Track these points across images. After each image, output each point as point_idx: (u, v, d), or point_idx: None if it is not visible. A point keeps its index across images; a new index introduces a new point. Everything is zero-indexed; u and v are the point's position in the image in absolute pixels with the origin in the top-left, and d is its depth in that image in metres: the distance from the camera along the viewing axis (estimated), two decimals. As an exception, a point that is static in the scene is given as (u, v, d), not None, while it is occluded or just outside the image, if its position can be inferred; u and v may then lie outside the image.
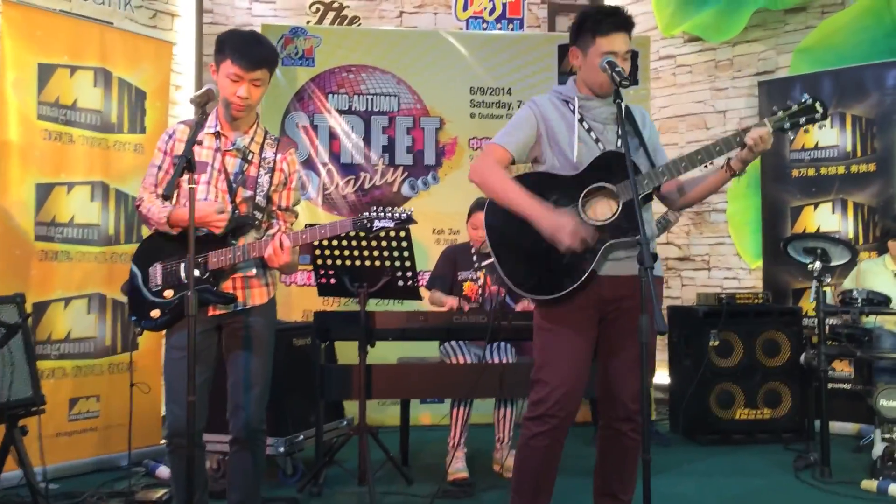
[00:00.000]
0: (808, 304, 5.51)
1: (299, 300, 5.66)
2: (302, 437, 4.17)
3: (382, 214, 2.90)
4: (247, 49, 2.81)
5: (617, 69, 2.59)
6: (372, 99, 5.90)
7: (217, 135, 2.91)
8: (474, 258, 4.55)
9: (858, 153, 5.53)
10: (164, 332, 2.95)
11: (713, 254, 6.43)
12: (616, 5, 2.89)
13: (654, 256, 2.36)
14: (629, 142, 2.64)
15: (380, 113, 5.89)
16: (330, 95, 5.86)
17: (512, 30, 6.37)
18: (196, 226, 2.61)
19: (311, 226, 2.94)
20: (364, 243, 3.83)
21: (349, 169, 5.84)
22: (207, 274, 2.83)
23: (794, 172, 5.77)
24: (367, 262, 3.86)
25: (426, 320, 4.07)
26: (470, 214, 4.54)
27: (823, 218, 5.64)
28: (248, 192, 2.92)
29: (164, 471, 4.21)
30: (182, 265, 2.86)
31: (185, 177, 2.59)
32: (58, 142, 4.39)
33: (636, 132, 2.75)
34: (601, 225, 2.65)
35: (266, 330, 2.97)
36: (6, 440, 3.31)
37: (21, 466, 3.33)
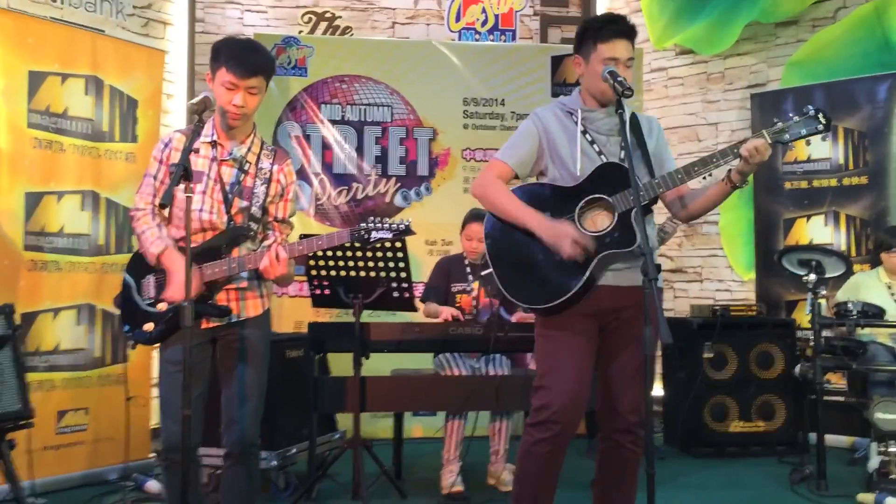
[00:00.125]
0: (801, 316, 5.52)
1: (291, 311, 5.61)
2: (294, 450, 4.12)
3: (380, 225, 2.86)
4: (242, 56, 2.77)
5: (619, 79, 2.58)
6: (365, 109, 5.87)
7: (213, 144, 2.87)
8: (468, 269, 4.52)
9: (851, 166, 5.55)
10: (154, 345, 2.90)
11: (705, 265, 6.43)
12: (619, 14, 2.89)
13: (658, 268, 2.34)
14: (631, 153, 2.62)
15: (373, 123, 5.86)
16: (323, 105, 5.83)
17: (504, 41, 6.37)
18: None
19: (306, 237, 2.91)
20: (359, 254, 3.80)
21: (342, 179, 5.80)
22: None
23: (787, 185, 5.79)
24: (362, 273, 3.83)
25: (421, 332, 4.04)
26: (464, 225, 4.51)
27: (816, 230, 5.66)
28: (244, 203, 2.87)
29: (153, 485, 4.15)
30: (175, 277, 2.81)
31: (182, 186, 2.55)
32: (48, 150, 4.34)
33: (639, 143, 2.73)
34: (596, 235, 2.65)
35: (261, 342, 2.92)
36: (-6, 454, 3.25)
37: (9, 481, 3.27)
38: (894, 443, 4.00)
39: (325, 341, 4.03)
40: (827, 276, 4.36)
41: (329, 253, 3.83)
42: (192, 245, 2.66)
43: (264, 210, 2.91)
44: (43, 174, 4.31)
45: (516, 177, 2.83)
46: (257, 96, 2.83)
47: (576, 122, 2.75)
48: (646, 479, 2.28)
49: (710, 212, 2.89)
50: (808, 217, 5.70)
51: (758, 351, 5.17)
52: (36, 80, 4.29)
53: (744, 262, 6.17)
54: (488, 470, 4.35)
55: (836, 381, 5.29)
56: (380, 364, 4.33)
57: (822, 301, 4.32)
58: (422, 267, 5.35)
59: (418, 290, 4.61)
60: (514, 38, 6.40)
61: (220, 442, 2.88)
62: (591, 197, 2.68)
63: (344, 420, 4.62)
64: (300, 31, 6.34)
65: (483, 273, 4.36)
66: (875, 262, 4.97)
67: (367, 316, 4.85)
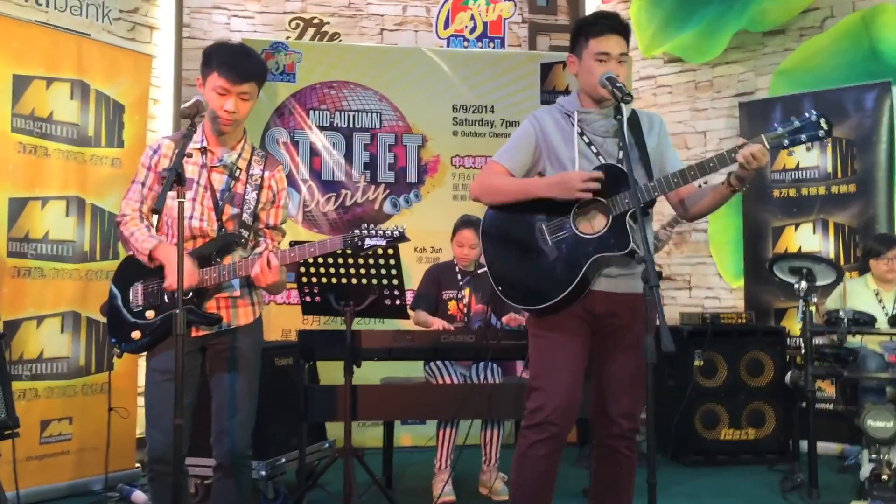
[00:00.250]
0: (790, 323, 5.53)
1: (278, 319, 5.55)
2: (284, 459, 4.05)
3: (374, 232, 2.84)
4: (234, 62, 2.74)
5: (618, 85, 2.56)
6: (354, 115, 5.84)
7: (203, 150, 2.82)
8: (458, 277, 4.49)
9: (839, 174, 5.57)
10: (137, 355, 2.85)
11: (694, 273, 6.43)
12: (611, 11, 2.88)
13: (659, 274, 2.32)
14: (630, 154, 2.61)
15: (361, 130, 5.83)
16: (311, 111, 5.79)
17: (493, 48, 6.36)
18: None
19: (297, 244, 2.86)
20: (350, 261, 3.75)
21: (330, 186, 5.76)
22: (191, 293, 2.73)
23: (776, 192, 5.80)
24: (354, 281, 3.78)
25: (413, 340, 3.99)
26: (455, 232, 4.48)
27: (804, 238, 5.67)
28: (235, 210, 2.83)
29: (139, 496, 4.08)
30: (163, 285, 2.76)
31: (173, 192, 2.50)
32: (32, 155, 4.27)
33: (638, 142, 2.71)
34: (589, 238, 2.63)
35: (252, 351, 2.88)
36: (-23, 465, 3.18)
37: (-8, 492, 3.20)
38: (886, 450, 4.00)
39: (316, 349, 3.97)
40: (818, 283, 4.36)
41: (320, 260, 3.77)
42: (188, 251, 2.61)
43: (255, 217, 2.87)
44: (27, 179, 4.24)
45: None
46: (249, 102, 2.79)
47: (573, 124, 2.73)
48: (646, 489, 2.25)
49: (713, 213, 2.86)
50: (797, 225, 5.71)
51: (748, 358, 5.17)
52: (20, 84, 4.23)
53: (732, 270, 6.17)
54: (480, 479, 4.31)
55: (826, 388, 5.30)
56: (369, 372, 4.27)
57: (813, 309, 4.33)
58: (411, 275, 5.29)
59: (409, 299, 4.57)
60: (502, 46, 6.39)
61: (206, 452, 2.83)
62: (585, 199, 2.66)
63: (332, 429, 4.57)
64: (287, 37, 6.30)
65: (479, 271, 4.34)
66: (863, 270, 4.98)
67: (356, 324, 4.82)
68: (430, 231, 5.58)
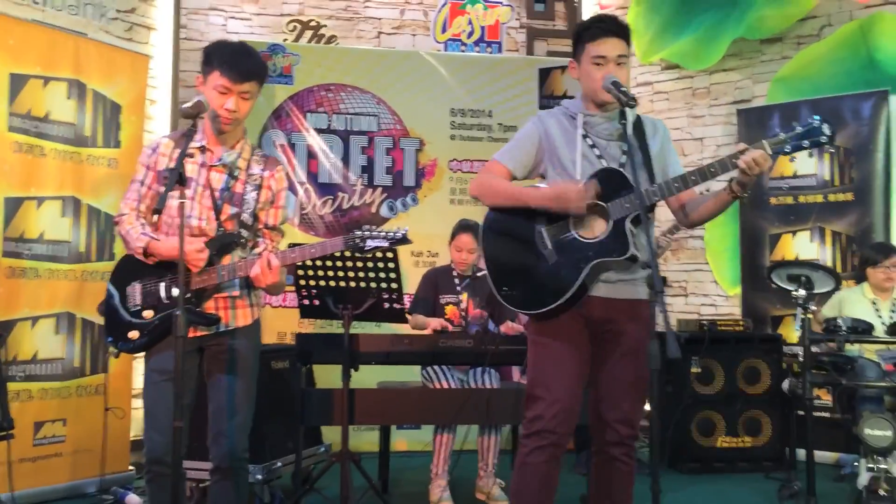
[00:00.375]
0: (786, 331, 5.52)
1: (273, 321, 5.51)
2: (280, 463, 4.02)
3: (376, 233, 2.81)
4: (235, 60, 2.72)
5: (622, 89, 2.55)
6: (351, 118, 5.82)
7: (203, 149, 2.80)
8: (456, 281, 4.47)
9: (836, 182, 5.58)
10: (136, 354, 2.82)
11: (690, 280, 6.43)
12: (609, 14, 2.87)
13: (664, 280, 2.30)
14: (634, 158, 2.59)
15: (359, 133, 5.81)
16: (308, 114, 5.77)
17: (490, 53, 6.35)
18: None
19: (296, 245, 2.84)
20: (349, 263, 3.72)
21: (327, 189, 5.74)
22: (190, 293, 2.71)
23: (773, 200, 5.81)
24: (353, 284, 3.75)
25: (411, 344, 3.96)
26: (454, 236, 4.46)
27: (802, 246, 5.68)
28: (234, 209, 2.81)
29: (133, 499, 4.04)
30: (162, 285, 2.74)
31: (175, 192, 2.48)
32: (28, 154, 4.23)
33: (641, 147, 2.70)
34: (589, 242, 2.61)
35: (250, 353, 2.86)
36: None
37: (-14, 494, 3.16)
38: (884, 459, 3.99)
39: (313, 352, 3.94)
40: (816, 291, 4.35)
41: (318, 262, 3.75)
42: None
43: (255, 217, 2.85)
44: (23, 179, 4.21)
45: (514, 178, 2.80)
46: (250, 101, 2.78)
47: (577, 126, 2.72)
48: (644, 496, 2.23)
49: (713, 219, 2.85)
50: (794, 233, 5.72)
51: (745, 366, 5.16)
52: (17, 83, 4.19)
53: (729, 277, 6.17)
54: (477, 484, 4.29)
55: (822, 396, 5.29)
56: (365, 376, 4.25)
57: (810, 316, 4.32)
58: (407, 279, 5.27)
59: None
60: (500, 51, 6.39)
61: (202, 454, 2.80)
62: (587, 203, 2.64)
63: (328, 432, 4.54)
64: (285, 40, 6.28)
65: (477, 275, 4.32)
66: (860, 278, 4.98)
67: (352, 327, 4.79)
68: (427, 235, 5.56)
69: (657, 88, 6.68)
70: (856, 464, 4.39)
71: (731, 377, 5.14)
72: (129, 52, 4.97)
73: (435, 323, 4.21)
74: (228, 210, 2.80)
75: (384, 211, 5.78)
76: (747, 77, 6.26)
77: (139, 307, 2.76)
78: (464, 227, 4.41)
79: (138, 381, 4.87)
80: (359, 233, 2.80)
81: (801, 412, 4.38)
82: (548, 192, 2.64)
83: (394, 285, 3.75)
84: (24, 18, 4.55)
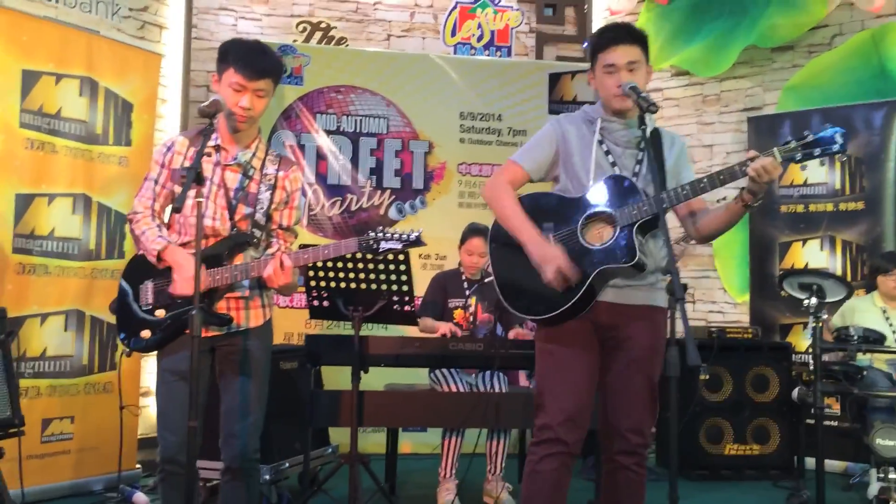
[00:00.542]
0: (795, 339, 5.51)
1: (281, 322, 5.46)
2: (287, 464, 4.01)
3: (389, 235, 2.80)
4: (251, 58, 2.72)
5: (642, 95, 2.54)
6: (361, 120, 5.82)
7: (217, 148, 2.79)
8: (465, 285, 4.46)
9: (847, 191, 5.57)
10: (146, 354, 2.81)
11: (698, 287, 6.41)
12: (618, 22, 2.87)
13: (685, 287, 2.29)
14: (648, 168, 2.58)
15: (368, 135, 5.81)
16: (318, 115, 5.77)
17: (500, 57, 6.34)
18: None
19: (304, 247, 2.83)
20: (360, 265, 3.71)
21: (336, 190, 5.73)
22: (202, 293, 2.69)
23: (783, 208, 5.79)
24: (363, 286, 3.74)
25: (420, 347, 3.95)
26: (464, 240, 4.45)
27: (812, 254, 5.66)
28: (248, 209, 2.80)
29: (140, 497, 4.03)
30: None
31: (192, 191, 2.48)
32: (40, 151, 4.23)
33: (657, 159, 2.69)
34: (596, 249, 2.60)
35: (262, 353, 2.84)
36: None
37: (-4, 490, 3.15)
38: (894, 469, 3.97)
39: (323, 354, 3.93)
40: (827, 300, 4.34)
41: (329, 264, 3.73)
42: (194, 252, 2.58)
43: (268, 217, 2.84)
44: (34, 175, 4.21)
45: (531, 180, 2.79)
46: (264, 99, 2.78)
47: (594, 132, 2.72)
48: None
49: (724, 233, 2.82)
50: (804, 241, 5.70)
51: (754, 374, 5.15)
52: (29, 80, 4.20)
53: (738, 285, 6.15)
54: (484, 488, 4.27)
55: (831, 405, 5.27)
56: (373, 379, 4.24)
57: (820, 325, 4.30)
58: (415, 282, 5.26)
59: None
60: (509, 55, 6.38)
61: (213, 454, 2.79)
62: (593, 211, 2.64)
63: (334, 433, 4.52)
64: (294, 41, 6.27)
65: (486, 280, 4.31)
66: (871, 287, 4.97)
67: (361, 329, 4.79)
68: (435, 238, 5.47)
69: (667, 95, 6.67)
70: (865, 474, 4.38)
71: (740, 385, 5.12)
72: (142, 51, 4.97)
73: (444, 328, 4.20)
74: (243, 210, 2.79)
75: (392, 213, 5.77)
76: (758, 85, 6.25)
77: (151, 306, 2.75)
78: (475, 230, 4.40)
79: (146, 380, 4.88)
80: (373, 234, 2.79)
81: (811, 421, 4.36)
82: (538, 249, 2.60)
83: (405, 287, 3.74)
84: (36, 15, 4.55)
